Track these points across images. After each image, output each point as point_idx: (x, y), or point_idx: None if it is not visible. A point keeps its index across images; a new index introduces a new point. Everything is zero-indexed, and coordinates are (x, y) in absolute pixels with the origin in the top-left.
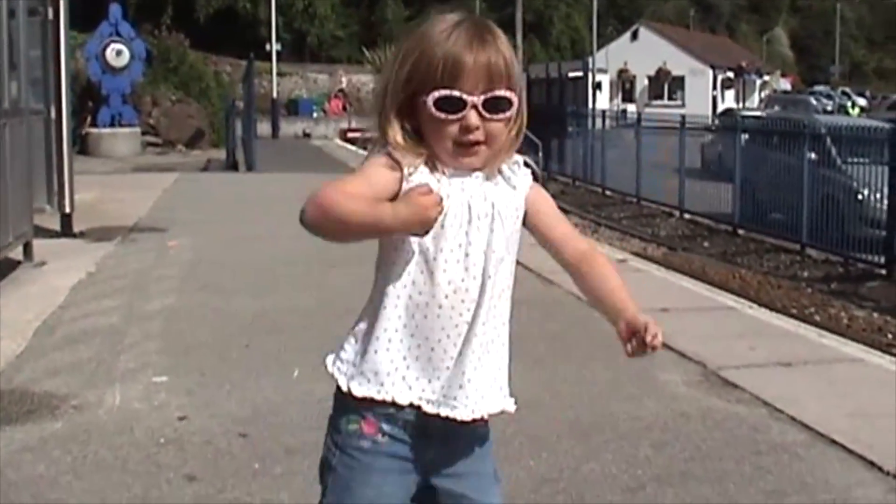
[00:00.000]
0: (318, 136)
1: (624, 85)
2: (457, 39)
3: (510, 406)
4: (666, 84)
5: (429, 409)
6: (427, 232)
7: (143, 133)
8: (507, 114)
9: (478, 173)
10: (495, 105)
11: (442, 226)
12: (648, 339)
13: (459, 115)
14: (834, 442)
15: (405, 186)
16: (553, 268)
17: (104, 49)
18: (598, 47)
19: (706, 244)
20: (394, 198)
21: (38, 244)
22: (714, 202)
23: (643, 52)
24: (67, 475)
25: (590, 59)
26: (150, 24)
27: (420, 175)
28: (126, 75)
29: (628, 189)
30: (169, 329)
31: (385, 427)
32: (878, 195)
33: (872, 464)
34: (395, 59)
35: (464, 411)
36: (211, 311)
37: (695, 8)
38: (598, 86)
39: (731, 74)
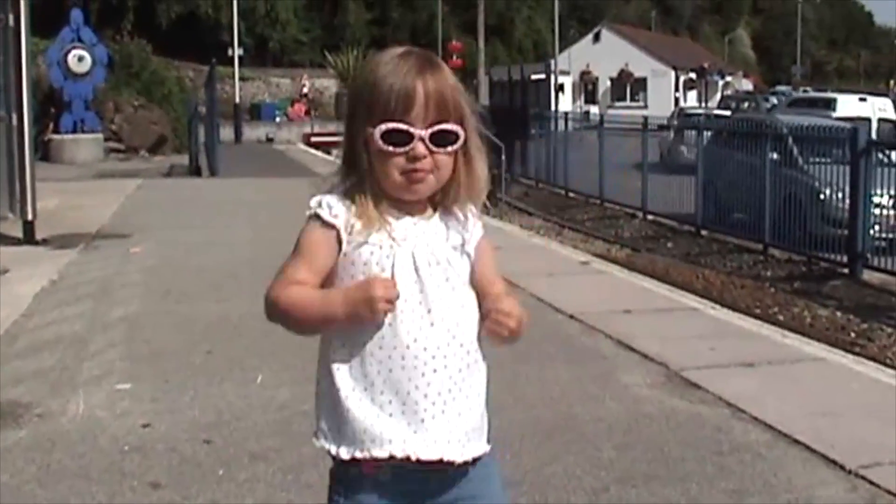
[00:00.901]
0: (281, 141)
1: (586, 87)
2: (403, 72)
3: (483, 449)
4: (628, 85)
5: (411, 455)
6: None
7: (106, 139)
8: (455, 146)
9: (422, 219)
10: (442, 138)
11: (392, 277)
12: (498, 317)
13: (406, 149)
14: (796, 441)
15: (346, 246)
16: (513, 271)
17: (66, 55)
18: (561, 49)
19: (670, 245)
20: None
21: (1, 252)
22: (677, 203)
23: (605, 53)
24: (31, 484)
25: (552, 62)
26: (112, 29)
27: (359, 230)
28: (88, 81)
29: (591, 191)
30: (132, 336)
31: (384, 467)
32: (840, 195)
33: (834, 462)
34: (348, 99)
35: (436, 451)
36: (174, 318)
37: (657, 10)
38: (560, 88)
39: (693, 75)
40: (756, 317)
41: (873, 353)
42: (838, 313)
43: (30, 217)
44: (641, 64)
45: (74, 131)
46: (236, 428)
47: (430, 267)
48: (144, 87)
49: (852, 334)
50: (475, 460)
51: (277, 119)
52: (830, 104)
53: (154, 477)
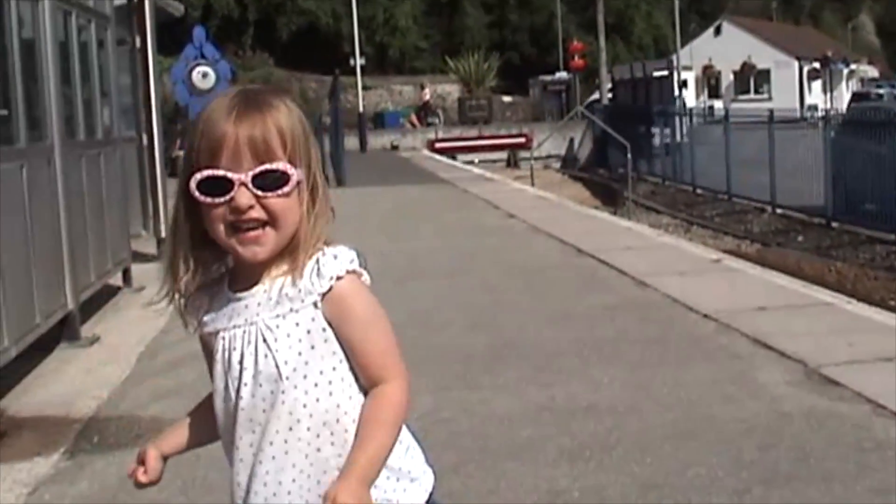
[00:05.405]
0: (406, 148)
1: (709, 81)
2: (219, 114)
3: None
4: (751, 78)
5: None
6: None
7: None
8: (286, 188)
9: (260, 290)
10: (269, 180)
11: (215, 360)
12: None
13: (227, 198)
14: None
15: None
16: (644, 270)
17: (190, 72)
18: (682, 44)
19: (800, 238)
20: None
21: (136, 269)
22: (806, 196)
23: (727, 46)
24: (179, 498)
25: (674, 57)
26: (233, 44)
27: (205, 312)
28: (213, 97)
29: (719, 186)
30: None
31: None
32: None
33: None
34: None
35: None
36: None
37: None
38: (683, 83)
39: (816, 65)
40: (892, 310)
41: None
42: None
43: (163, 234)
44: (764, 55)
45: None
46: None
47: (246, 347)
48: None
49: None
50: None
51: (401, 126)
52: None
53: None
